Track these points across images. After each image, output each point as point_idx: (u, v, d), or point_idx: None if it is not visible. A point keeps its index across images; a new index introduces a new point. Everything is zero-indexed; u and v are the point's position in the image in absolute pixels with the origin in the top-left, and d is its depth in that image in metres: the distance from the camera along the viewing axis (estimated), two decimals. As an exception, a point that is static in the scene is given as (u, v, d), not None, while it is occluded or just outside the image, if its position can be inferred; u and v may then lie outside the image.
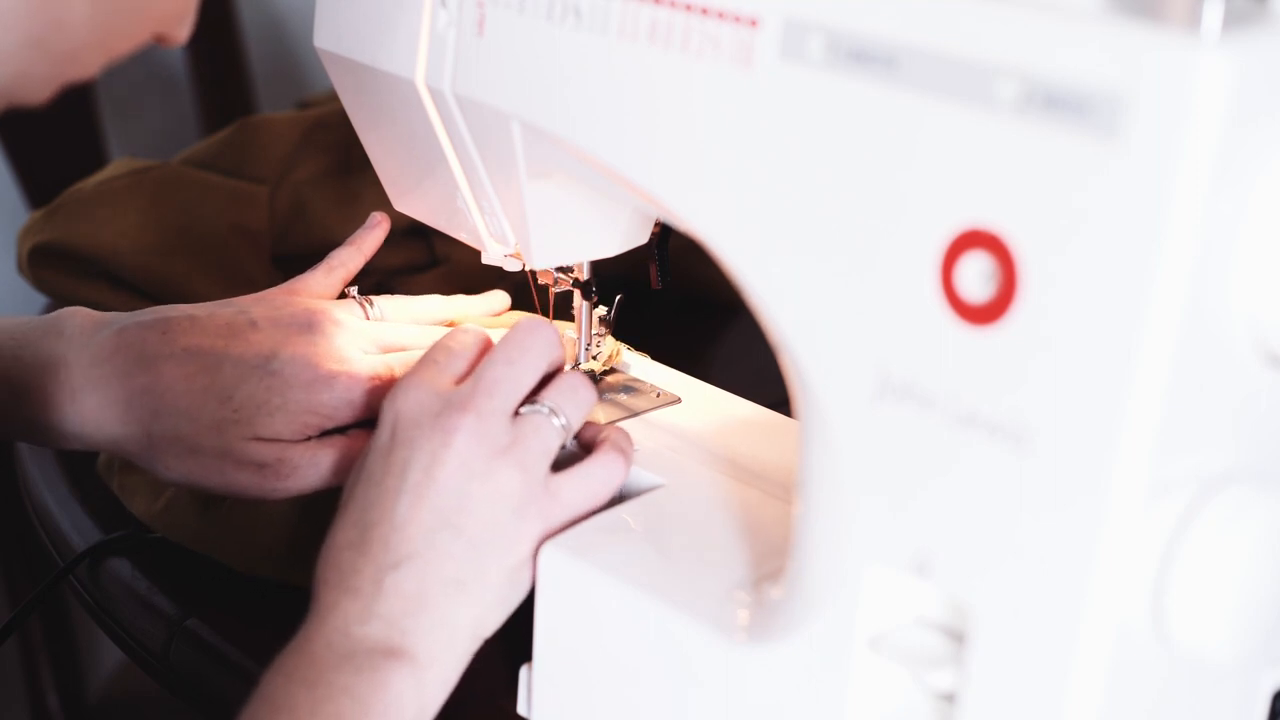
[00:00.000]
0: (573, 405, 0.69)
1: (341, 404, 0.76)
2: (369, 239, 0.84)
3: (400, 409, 0.67)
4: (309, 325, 0.77)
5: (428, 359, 0.70)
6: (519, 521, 0.66)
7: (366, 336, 0.79)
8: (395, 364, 0.78)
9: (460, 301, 0.86)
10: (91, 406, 0.75)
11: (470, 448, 0.65)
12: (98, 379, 0.75)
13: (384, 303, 0.83)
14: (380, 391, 0.76)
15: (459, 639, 0.65)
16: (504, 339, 0.69)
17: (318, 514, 0.79)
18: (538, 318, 0.71)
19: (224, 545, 0.81)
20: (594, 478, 0.69)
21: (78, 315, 0.77)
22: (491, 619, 0.67)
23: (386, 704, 0.62)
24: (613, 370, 0.84)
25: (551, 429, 0.68)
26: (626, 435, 0.73)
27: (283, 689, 0.62)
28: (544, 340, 0.69)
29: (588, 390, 0.70)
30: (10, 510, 1.30)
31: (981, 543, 0.53)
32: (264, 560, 0.81)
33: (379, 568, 0.64)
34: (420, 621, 0.64)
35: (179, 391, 0.75)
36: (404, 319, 0.83)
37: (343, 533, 0.66)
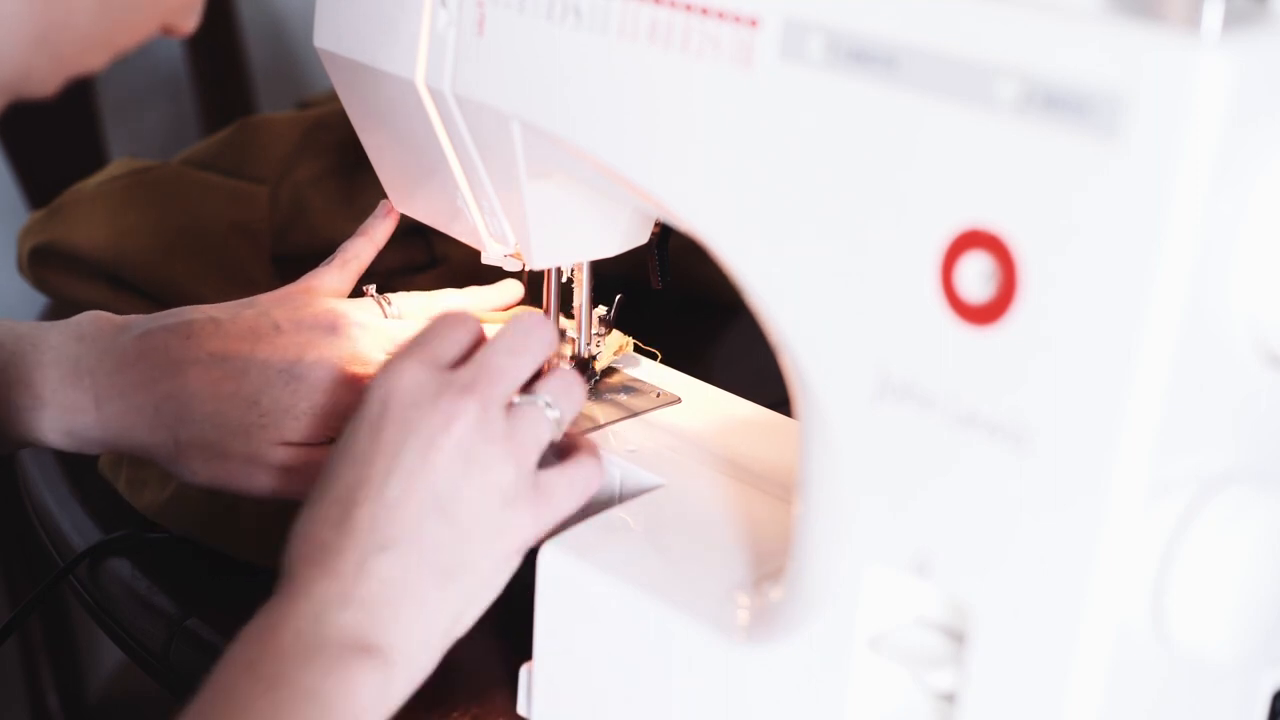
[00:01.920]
0: (567, 400, 0.68)
1: None
2: (380, 228, 0.84)
3: (394, 387, 0.64)
4: (331, 328, 0.78)
5: (423, 339, 0.66)
6: (508, 513, 0.64)
7: (387, 337, 0.79)
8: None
9: (475, 293, 0.86)
10: (116, 413, 0.75)
11: (469, 434, 0.63)
12: (123, 386, 0.75)
13: (401, 300, 0.83)
14: None
15: (434, 635, 0.63)
16: (506, 328, 0.68)
17: None
18: (538, 312, 0.70)
19: (232, 534, 0.81)
20: (578, 478, 0.68)
21: (98, 320, 0.77)
22: (469, 615, 0.65)
23: (352, 712, 0.60)
24: (613, 370, 0.84)
25: (546, 422, 0.66)
26: (596, 444, 0.72)
27: (242, 684, 0.59)
28: (546, 333, 0.68)
29: (580, 388, 0.69)
30: (10, 510, 1.30)
31: (981, 543, 0.53)
32: (272, 550, 0.81)
33: (364, 550, 0.61)
34: (399, 611, 0.61)
35: (206, 397, 0.75)
36: (422, 315, 0.83)
37: (322, 509, 0.63)
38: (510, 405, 0.66)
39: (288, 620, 0.60)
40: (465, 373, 0.65)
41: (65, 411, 0.75)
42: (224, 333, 0.76)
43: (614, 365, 0.84)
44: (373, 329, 0.79)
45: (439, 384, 0.64)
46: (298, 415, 0.75)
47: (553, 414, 0.67)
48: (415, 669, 0.62)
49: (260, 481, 0.76)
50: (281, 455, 0.76)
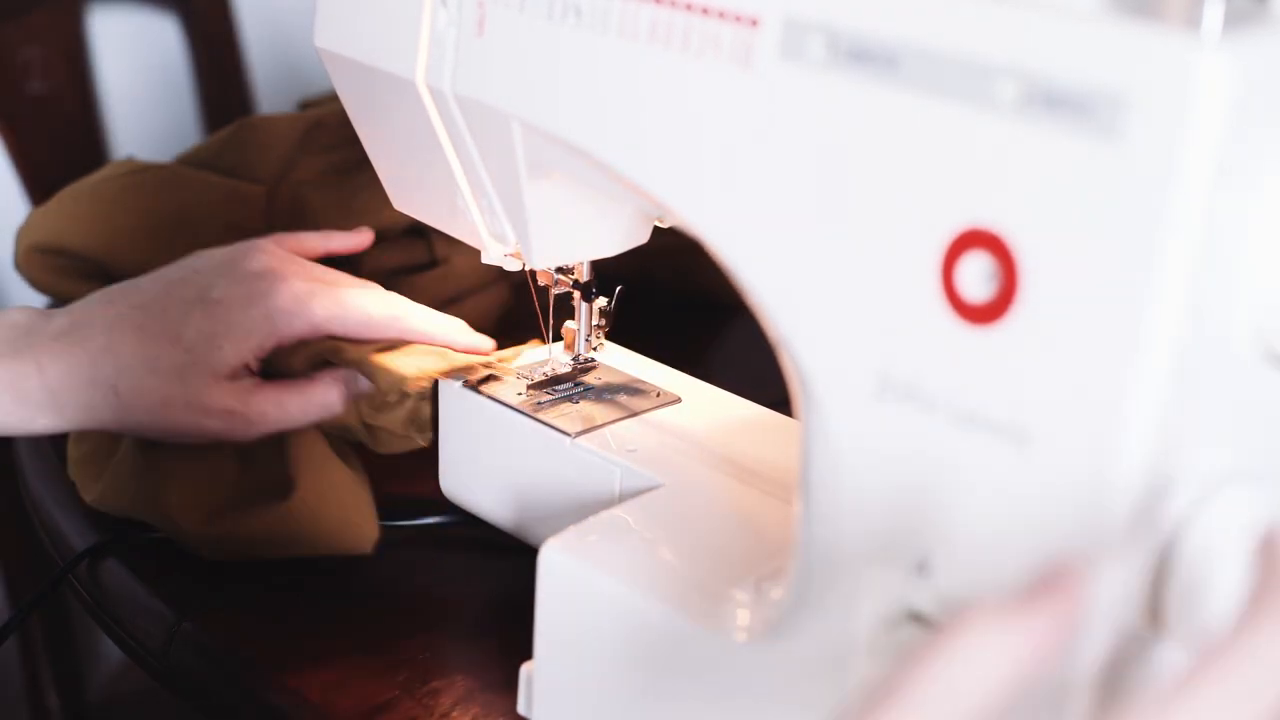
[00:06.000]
0: None
1: (280, 313, 0.80)
2: (339, 237, 0.92)
3: None
4: (243, 253, 0.83)
5: None
6: None
7: (303, 266, 0.84)
8: (329, 279, 0.83)
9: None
10: (59, 374, 0.79)
11: None
12: (60, 350, 0.79)
13: None
14: (318, 299, 0.81)
15: None
16: None
17: (256, 471, 0.83)
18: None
19: (162, 510, 0.82)
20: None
21: (28, 310, 0.82)
22: None
23: None
24: (612, 369, 0.84)
25: None
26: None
27: None
28: None
29: None
30: (10, 510, 1.30)
31: (981, 543, 0.53)
32: (205, 519, 0.82)
33: None
34: None
35: (133, 342, 0.79)
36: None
37: None
38: None
39: None
40: None
41: (10, 382, 0.79)
42: (141, 288, 0.82)
43: (612, 365, 0.84)
44: (285, 255, 0.84)
45: None
46: (220, 342, 0.79)
47: None
48: None
49: (205, 425, 0.80)
50: (219, 397, 0.80)
